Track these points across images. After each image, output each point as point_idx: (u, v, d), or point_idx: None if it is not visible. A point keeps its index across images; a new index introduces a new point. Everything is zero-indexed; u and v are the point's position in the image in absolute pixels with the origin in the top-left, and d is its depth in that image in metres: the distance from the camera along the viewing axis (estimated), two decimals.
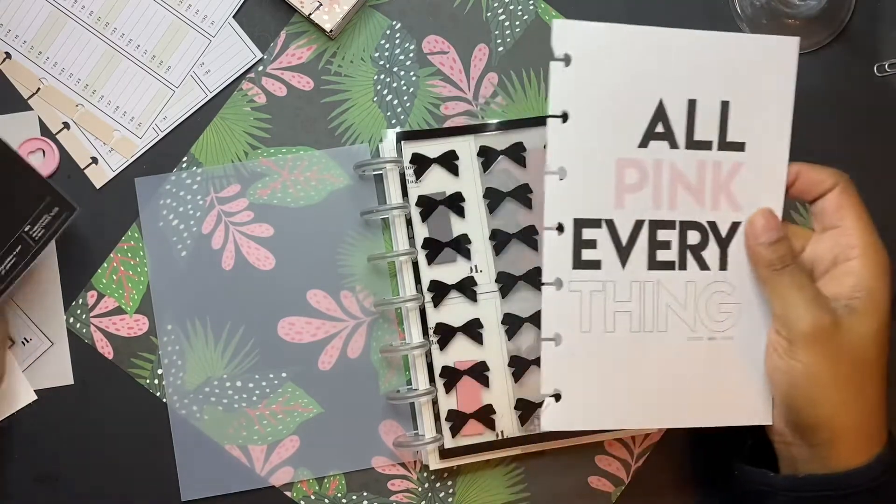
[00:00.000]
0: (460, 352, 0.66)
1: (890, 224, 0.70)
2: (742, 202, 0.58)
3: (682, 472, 0.68)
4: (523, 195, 0.67)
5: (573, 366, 0.57)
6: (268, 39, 0.68)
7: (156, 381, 0.67)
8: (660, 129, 0.57)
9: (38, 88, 0.67)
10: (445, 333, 0.66)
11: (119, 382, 0.66)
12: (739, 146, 0.58)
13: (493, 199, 0.67)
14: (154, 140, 0.68)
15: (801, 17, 0.69)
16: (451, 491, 0.67)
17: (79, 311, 0.67)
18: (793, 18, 0.69)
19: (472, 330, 0.66)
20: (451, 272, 0.67)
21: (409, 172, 0.67)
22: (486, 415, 0.66)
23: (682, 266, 0.58)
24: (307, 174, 0.68)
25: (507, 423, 0.66)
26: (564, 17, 0.69)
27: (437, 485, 0.67)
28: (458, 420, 0.65)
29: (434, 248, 0.66)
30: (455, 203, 0.67)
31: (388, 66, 0.69)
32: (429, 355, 0.66)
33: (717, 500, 0.67)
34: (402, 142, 0.67)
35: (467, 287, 0.66)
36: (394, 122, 0.68)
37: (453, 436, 0.65)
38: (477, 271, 0.67)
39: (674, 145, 0.57)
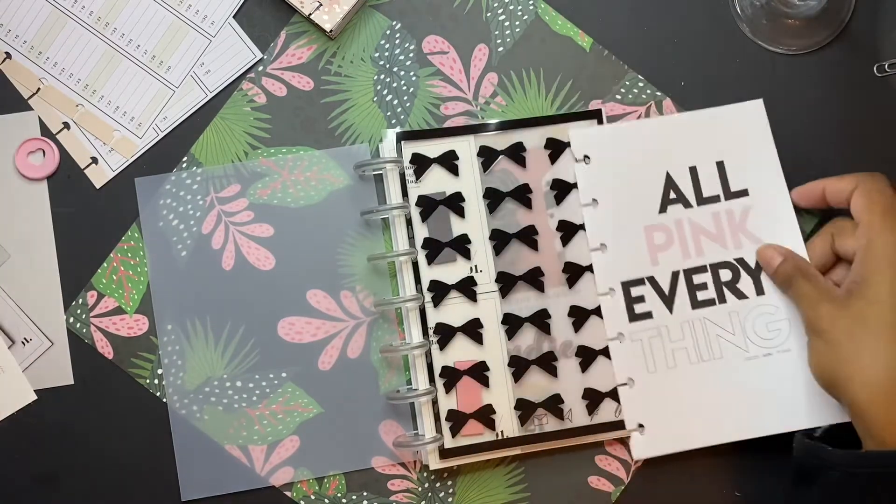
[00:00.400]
0: (460, 352, 0.66)
1: None
2: (761, 236, 0.67)
3: (682, 471, 0.68)
4: (523, 195, 0.67)
5: (647, 402, 0.66)
6: (268, 39, 0.68)
7: (156, 381, 0.67)
8: (672, 195, 0.67)
9: (38, 88, 0.67)
10: (445, 333, 0.66)
11: (119, 382, 0.66)
12: (743, 192, 0.67)
13: (493, 199, 0.67)
14: (154, 140, 0.68)
15: (801, 17, 0.69)
16: (451, 491, 0.67)
17: (79, 311, 0.67)
18: (793, 18, 0.69)
19: (472, 330, 0.66)
20: (451, 272, 0.67)
21: (409, 172, 0.67)
22: (486, 415, 0.66)
23: (722, 300, 0.66)
24: (307, 174, 0.68)
25: (507, 423, 0.66)
26: (565, 18, 0.69)
27: (437, 485, 0.67)
28: (458, 420, 0.65)
29: (434, 248, 0.66)
30: (455, 203, 0.67)
31: (388, 66, 0.69)
32: (429, 355, 0.66)
33: (724, 495, 0.67)
34: (402, 142, 0.67)
35: (467, 287, 0.66)
36: (394, 122, 0.68)
37: (453, 436, 0.65)
38: (477, 271, 0.67)
39: (687, 205, 0.67)
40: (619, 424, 0.67)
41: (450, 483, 0.67)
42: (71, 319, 0.67)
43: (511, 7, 0.69)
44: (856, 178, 0.63)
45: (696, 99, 0.69)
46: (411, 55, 0.69)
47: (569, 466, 0.68)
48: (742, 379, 0.66)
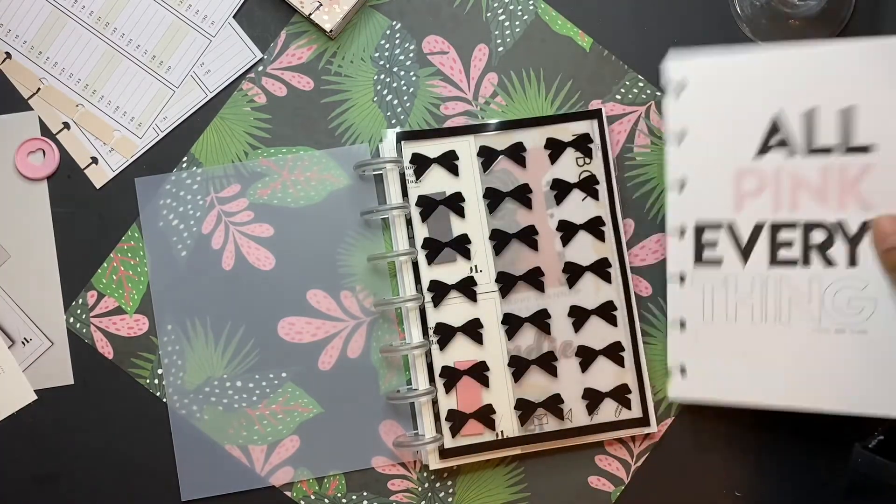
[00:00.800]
0: (460, 352, 0.66)
1: None
2: (875, 202, 0.59)
3: (682, 471, 0.68)
4: (523, 195, 0.67)
5: (697, 348, 0.63)
6: (268, 39, 0.68)
7: (156, 381, 0.67)
8: (776, 139, 0.61)
9: (38, 88, 0.67)
10: (445, 333, 0.66)
11: (119, 382, 0.67)
12: (867, 148, 0.59)
13: (493, 199, 0.67)
14: (154, 140, 0.68)
15: (801, 17, 0.69)
16: (451, 491, 0.67)
17: (79, 311, 0.67)
18: (793, 18, 0.69)
19: (472, 330, 0.66)
20: (451, 272, 0.67)
21: (409, 172, 0.67)
22: (486, 415, 0.66)
23: (806, 263, 0.61)
24: (307, 174, 0.68)
25: (507, 423, 0.66)
26: (565, 18, 0.69)
27: (437, 485, 0.67)
28: (458, 420, 0.65)
29: (434, 248, 0.66)
30: (455, 203, 0.67)
31: (388, 66, 0.69)
32: (429, 355, 0.66)
33: (724, 495, 0.67)
34: (402, 142, 0.67)
35: (467, 287, 0.66)
36: (394, 122, 0.68)
37: (453, 436, 0.65)
38: (477, 271, 0.67)
39: (793, 153, 0.61)
40: (619, 424, 0.67)
41: (450, 483, 0.67)
42: (71, 319, 0.67)
43: (511, 7, 0.69)
44: None
45: None
46: (411, 55, 0.69)
47: (569, 466, 0.68)
48: (805, 349, 0.61)
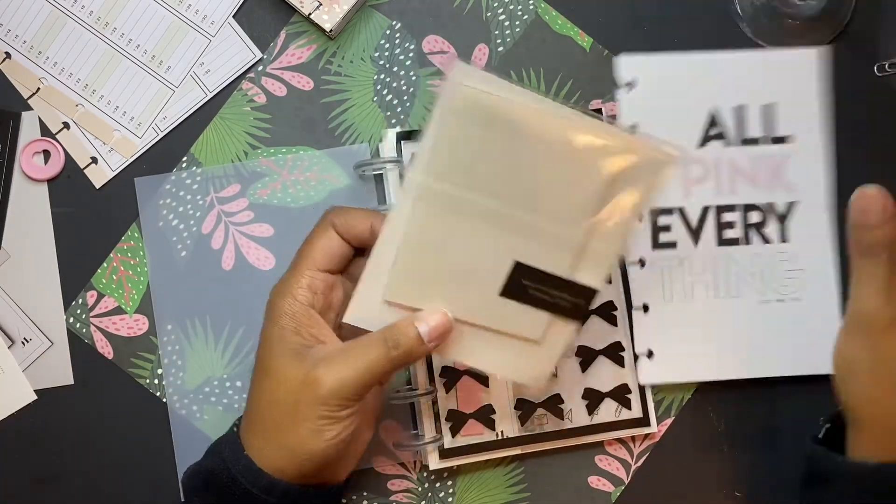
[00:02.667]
0: None
1: None
2: (796, 185, 0.68)
3: (681, 472, 0.68)
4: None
5: (660, 329, 0.67)
6: (268, 39, 0.68)
7: (156, 381, 0.67)
8: (714, 131, 0.68)
9: (38, 88, 0.67)
10: None
11: (119, 382, 0.66)
12: (786, 139, 0.68)
13: None
14: (154, 140, 0.68)
15: (801, 17, 0.69)
16: (451, 491, 0.67)
17: (79, 311, 0.67)
18: (793, 18, 0.69)
19: None
20: None
21: None
22: (486, 415, 0.66)
23: (747, 241, 0.68)
24: (307, 174, 0.68)
25: (507, 423, 0.66)
26: (565, 18, 0.69)
27: (437, 485, 0.67)
28: (458, 420, 0.65)
29: None
30: None
31: (388, 65, 0.69)
32: (429, 355, 0.66)
33: (724, 495, 0.67)
34: (402, 142, 0.67)
35: None
36: (394, 122, 0.68)
37: (453, 436, 0.65)
38: None
39: (728, 143, 0.68)
40: (619, 424, 0.67)
41: (450, 483, 0.67)
42: (71, 319, 0.67)
43: (511, 7, 0.69)
44: None
45: None
46: (411, 55, 0.69)
47: (569, 466, 0.68)
48: (754, 320, 0.67)
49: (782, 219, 0.68)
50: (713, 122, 0.68)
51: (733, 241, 0.68)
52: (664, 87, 0.68)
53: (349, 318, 0.56)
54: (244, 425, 0.58)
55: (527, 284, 0.56)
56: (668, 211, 0.68)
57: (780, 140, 0.68)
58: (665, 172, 0.55)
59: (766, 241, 0.68)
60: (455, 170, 0.54)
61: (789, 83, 0.68)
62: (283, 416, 0.55)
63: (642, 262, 0.67)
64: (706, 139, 0.68)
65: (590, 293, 0.57)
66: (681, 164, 0.66)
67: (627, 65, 0.68)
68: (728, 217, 0.68)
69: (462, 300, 0.56)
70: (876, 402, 0.55)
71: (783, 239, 0.68)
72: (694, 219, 0.68)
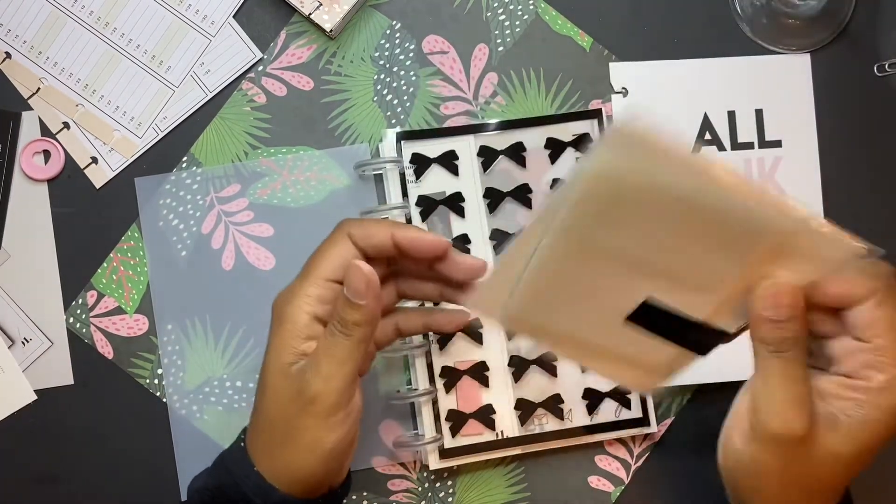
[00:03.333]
0: (460, 352, 0.66)
1: (890, 224, 0.70)
2: (787, 189, 0.69)
3: (681, 472, 0.68)
4: (523, 195, 0.67)
5: None
6: (268, 39, 0.68)
7: (156, 381, 0.67)
8: (707, 136, 0.69)
9: (38, 88, 0.67)
10: (445, 333, 0.66)
11: (119, 382, 0.66)
12: (777, 143, 0.69)
13: (493, 199, 0.67)
14: (154, 140, 0.68)
15: (801, 17, 0.69)
16: (450, 491, 0.67)
17: (79, 311, 0.67)
18: (793, 18, 0.69)
19: (472, 330, 0.66)
20: None
21: (409, 172, 0.67)
22: (486, 415, 0.66)
23: None
24: (307, 174, 0.68)
25: (507, 423, 0.66)
26: (565, 18, 0.69)
27: (437, 485, 0.67)
28: (458, 420, 0.65)
29: None
30: (455, 203, 0.67)
31: (388, 65, 0.69)
32: (429, 355, 0.66)
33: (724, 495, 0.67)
34: (402, 142, 0.67)
35: None
36: (394, 122, 0.68)
37: (453, 436, 0.65)
38: None
39: (721, 148, 0.69)
40: (619, 424, 0.67)
41: (450, 483, 0.67)
42: (71, 319, 0.67)
43: (511, 7, 0.69)
44: (871, 283, 0.49)
45: None
46: (411, 55, 0.69)
47: (569, 466, 0.68)
48: None
49: None
50: (706, 128, 0.69)
51: None
52: (656, 93, 0.69)
53: (470, 305, 0.56)
54: (251, 441, 0.57)
55: (656, 317, 0.51)
56: None
57: (772, 144, 0.69)
58: (839, 262, 0.48)
59: None
60: (609, 215, 0.48)
61: (781, 87, 0.69)
62: (281, 435, 0.54)
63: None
64: (699, 144, 0.69)
65: (721, 335, 0.51)
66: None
67: (619, 72, 0.69)
68: None
69: (583, 323, 0.53)
70: None
71: None
72: None
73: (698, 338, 0.52)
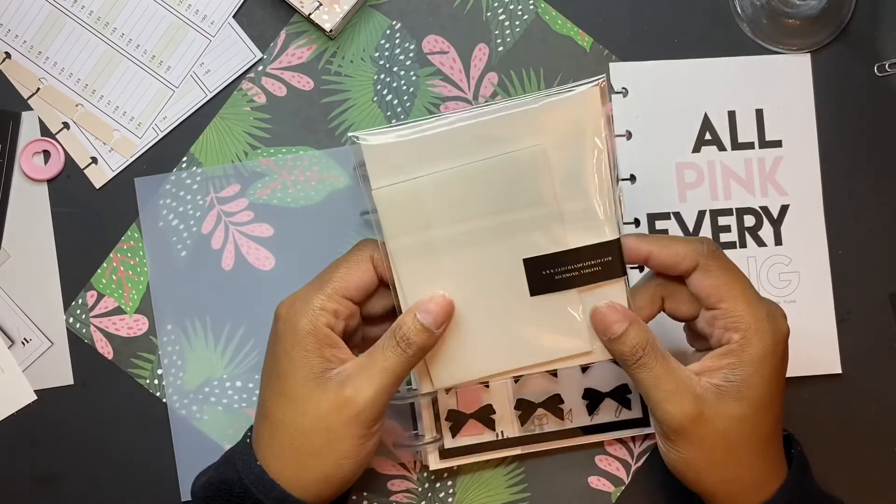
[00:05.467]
0: None
1: (890, 225, 0.70)
2: (787, 188, 0.69)
3: None
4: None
5: (661, 332, 0.63)
6: (268, 39, 0.68)
7: (156, 381, 0.67)
8: (708, 136, 0.69)
9: (38, 88, 0.67)
10: None
11: (119, 382, 0.66)
12: (777, 143, 0.69)
13: None
14: (154, 140, 0.68)
15: (801, 17, 0.69)
16: (451, 491, 0.67)
17: (78, 311, 0.67)
18: (793, 18, 0.69)
19: None
20: None
21: None
22: (486, 415, 0.66)
23: (743, 245, 0.69)
24: (307, 174, 0.68)
25: (507, 423, 0.66)
26: (565, 18, 0.69)
27: (437, 485, 0.67)
28: (458, 420, 0.65)
29: None
30: None
31: (388, 65, 0.69)
32: None
33: None
34: None
35: None
36: (394, 121, 0.68)
37: (453, 436, 0.65)
38: None
39: (722, 148, 0.69)
40: (619, 424, 0.67)
41: (450, 483, 0.67)
42: (71, 319, 0.67)
43: (511, 7, 0.69)
44: (693, 251, 0.56)
45: None
46: (411, 55, 0.69)
47: (569, 466, 0.68)
48: None
49: (776, 222, 0.69)
50: (706, 128, 0.69)
51: (729, 245, 0.68)
52: (657, 93, 0.69)
53: (426, 389, 0.59)
54: (263, 447, 0.57)
55: (548, 273, 0.56)
56: (665, 215, 0.68)
57: (772, 144, 0.69)
58: (596, 105, 0.55)
59: (760, 244, 0.68)
60: (413, 218, 0.56)
61: (781, 87, 0.69)
62: (316, 445, 0.55)
63: (641, 268, 0.67)
64: (700, 144, 0.69)
65: (610, 246, 0.56)
66: (675, 169, 0.67)
67: (619, 73, 0.69)
68: (723, 221, 0.68)
69: (500, 319, 0.57)
70: (726, 482, 0.56)
71: (778, 242, 0.68)
72: (690, 223, 0.68)
73: (597, 263, 0.56)
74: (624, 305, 0.56)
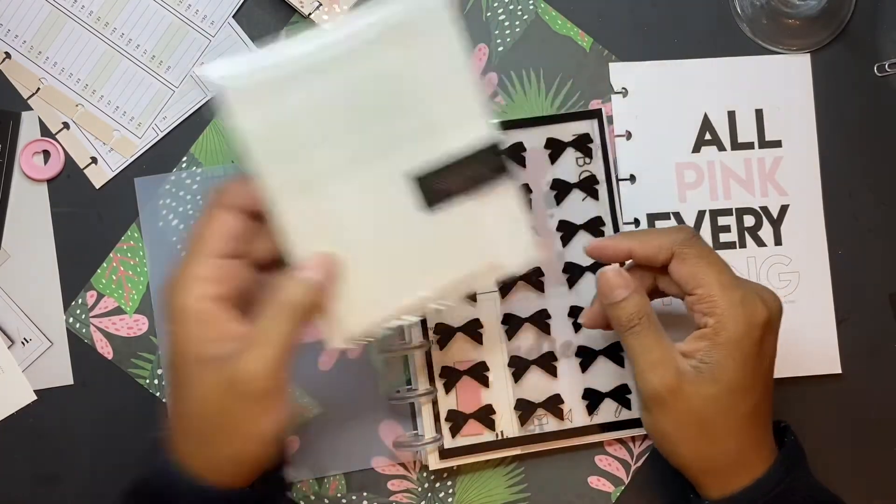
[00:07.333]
0: (460, 352, 0.66)
1: (889, 225, 0.70)
2: (787, 188, 0.69)
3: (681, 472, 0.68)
4: (523, 195, 0.67)
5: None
6: (268, 39, 0.68)
7: (156, 381, 0.67)
8: (708, 136, 0.69)
9: (38, 88, 0.67)
10: (445, 333, 0.66)
11: (119, 382, 0.66)
12: (777, 143, 0.69)
13: None
14: (154, 140, 0.68)
15: (801, 17, 0.69)
16: (450, 491, 0.67)
17: (78, 311, 0.67)
18: (793, 18, 0.69)
19: (472, 330, 0.66)
20: None
21: None
22: (485, 415, 0.66)
23: (742, 245, 0.69)
24: None
25: (507, 423, 0.66)
26: (565, 18, 0.69)
27: (437, 485, 0.67)
28: (457, 420, 0.65)
29: None
30: None
31: None
32: (429, 355, 0.66)
33: None
34: None
35: None
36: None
37: (453, 436, 0.65)
38: None
39: (721, 148, 0.69)
40: (619, 424, 0.67)
41: (450, 483, 0.67)
42: (70, 319, 0.67)
43: (511, 7, 0.69)
44: (668, 243, 0.59)
45: None
46: None
47: (569, 466, 0.68)
48: None
49: (776, 222, 0.69)
50: (706, 128, 0.69)
51: (729, 245, 0.68)
52: (656, 93, 0.69)
53: (338, 343, 0.55)
54: (175, 437, 0.55)
55: (438, 185, 0.55)
56: (665, 215, 0.68)
57: (772, 144, 0.69)
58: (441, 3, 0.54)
59: (760, 244, 0.69)
60: (286, 153, 0.53)
61: (781, 87, 0.69)
62: (217, 427, 0.52)
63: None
64: (700, 144, 0.69)
65: (490, 149, 0.55)
66: (675, 169, 0.68)
67: (619, 73, 0.69)
68: (723, 221, 0.69)
69: (399, 245, 0.55)
70: (700, 458, 0.58)
71: (777, 242, 0.68)
72: (690, 223, 0.68)
73: (482, 165, 0.55)
74: (626, 274, 0.59)
